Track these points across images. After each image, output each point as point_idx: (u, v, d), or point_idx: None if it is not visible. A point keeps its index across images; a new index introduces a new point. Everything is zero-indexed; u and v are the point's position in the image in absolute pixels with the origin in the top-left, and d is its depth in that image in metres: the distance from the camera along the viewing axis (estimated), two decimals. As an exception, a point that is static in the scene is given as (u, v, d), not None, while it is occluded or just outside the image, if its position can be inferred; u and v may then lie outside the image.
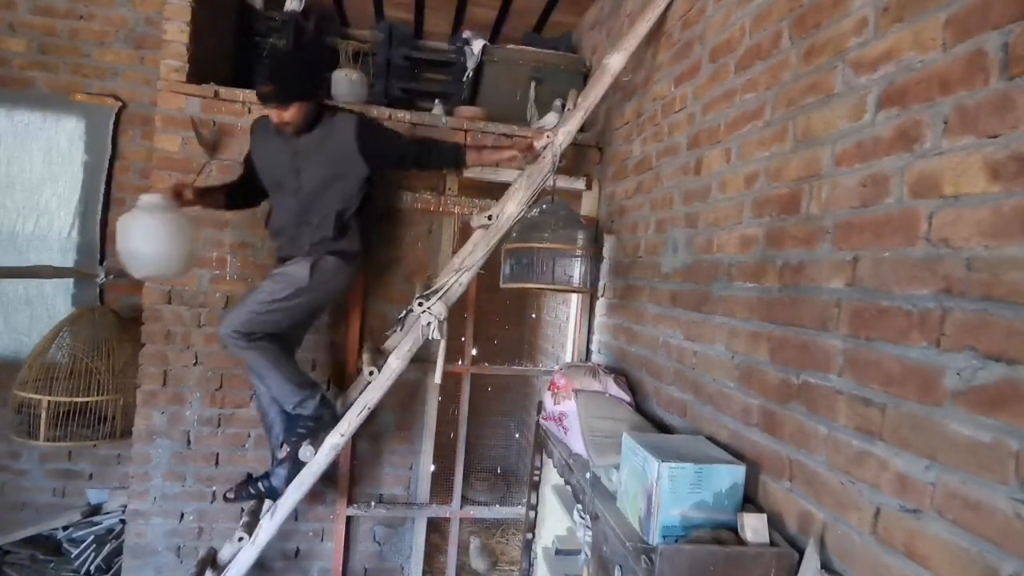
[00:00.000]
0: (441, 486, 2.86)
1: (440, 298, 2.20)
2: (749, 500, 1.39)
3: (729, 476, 1.32)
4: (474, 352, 2.78)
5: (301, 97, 2.03)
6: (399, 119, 2.64)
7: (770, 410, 1.38)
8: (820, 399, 1.22)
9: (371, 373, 2.21)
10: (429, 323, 2.20)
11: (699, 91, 1.89)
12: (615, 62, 2.18)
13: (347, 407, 2.24)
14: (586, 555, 1.65)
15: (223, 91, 2.49)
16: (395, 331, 2.36)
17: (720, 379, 1.61)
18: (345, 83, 2.78)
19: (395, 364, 2.22)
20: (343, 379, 2.59)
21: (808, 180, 1.33)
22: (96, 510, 3.02)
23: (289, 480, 2.15)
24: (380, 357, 2.29)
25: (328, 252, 2.18)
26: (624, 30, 2.40)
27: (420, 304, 2.20)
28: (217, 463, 2.56)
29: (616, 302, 2.48)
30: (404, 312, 2.32)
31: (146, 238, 1.91)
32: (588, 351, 2.77)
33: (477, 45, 3.14)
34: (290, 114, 2.04)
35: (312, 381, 2.21)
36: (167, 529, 2.54)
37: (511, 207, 2.21)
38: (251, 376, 2.24)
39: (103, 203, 3.02)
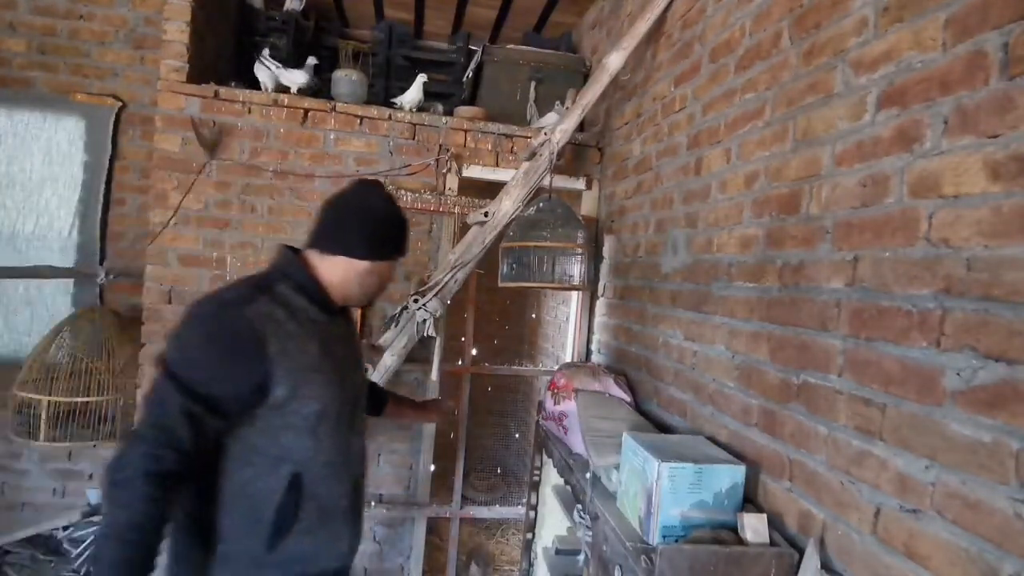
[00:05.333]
0: (441, 486, 2.86)
1: (435, 295, 2.20)
2: (749, 500, 1.39)
3: (729, 476, 1.32)
4: (474, 352, 2.78)
5: None
6: (399, 119, 2.64)
7: (770, 410, 1.38)
8: (820, 399, 1.22)
9: (365, 370, 2.21)
10: (424, 320, 2.20)
11: (699, 91, 1.89)
12: (614, 61, 2.18)
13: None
14: (586, 555, 1.65)
15: (223, 91, 2.49)
16: (389, 328, 2.35)
17: (720, 379, 1.61)
18: (345, 83, 2.78)
19: (389, 361, 2.22)
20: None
21: (808, 180, 1.33)
22: (96, 510, 3.02)
23: None
24: (376, 354, 2.29)
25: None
26: (624, 30, 2.40)
27: (415, 301, 2.20)
28: (217, 463, 2.56)
29: (616, 302, 2.48)
30: (399, 309, 2.32)
31: None
32: (588, 351, 2.77)
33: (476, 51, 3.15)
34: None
35: None
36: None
37: (507, 204, 2.21)
38: None
39: (103, 203, 3.02)
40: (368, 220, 1.28)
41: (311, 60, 2.77)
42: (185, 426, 1.07)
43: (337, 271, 1.28)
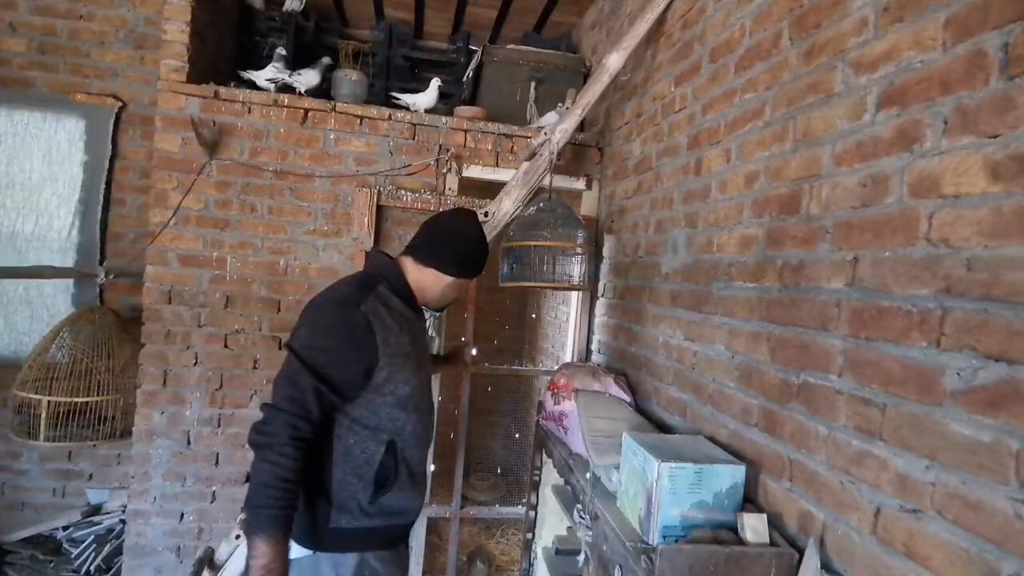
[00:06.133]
0: (441, 486, 2.86)
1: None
2: (749, 500, 1.39)
3: (729, 476, 1.32)
4: (474, 352, 2.78)
5: None
6: (399, 119, 2.64)
7: (770, 410, 1.38)
8: (820, 399, 1.22)
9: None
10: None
11: (699, 91, 1.89)
12: (614, 61, 2.18)
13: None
14: (586, 555, 1.65)
15: (223, 91, 2.49)
16: None
17: (720, 379, 1.61)
18: (345, 83, 2.78)
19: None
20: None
21: (808, 180, 1.33)
22: (96, 510, 3.02)
23: None
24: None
25: None
26: (624, 30, 2.40)
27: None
28: (217, 463, 2.56)
29: (616, 302, 2.48)
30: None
31: None
32: (588, 351, 2.77)
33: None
34: None
35: None
36: (167, 529, 2.54)
37: (507, 204, 2.21)
38: None
39: (103, 203, 3.02)
40: (463, 244, 1.55)
41: (325, 59, 2.77)
42: (314, 401, 1.32)
43: (427, 280, 1.55)
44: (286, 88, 2.64)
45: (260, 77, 2.59)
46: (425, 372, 1.58)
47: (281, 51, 2.68)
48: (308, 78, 2.65)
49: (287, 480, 1.28)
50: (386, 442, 1.45)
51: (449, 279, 1.55)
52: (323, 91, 2.76)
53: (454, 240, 1.56)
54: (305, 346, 1.36)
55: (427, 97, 2.73)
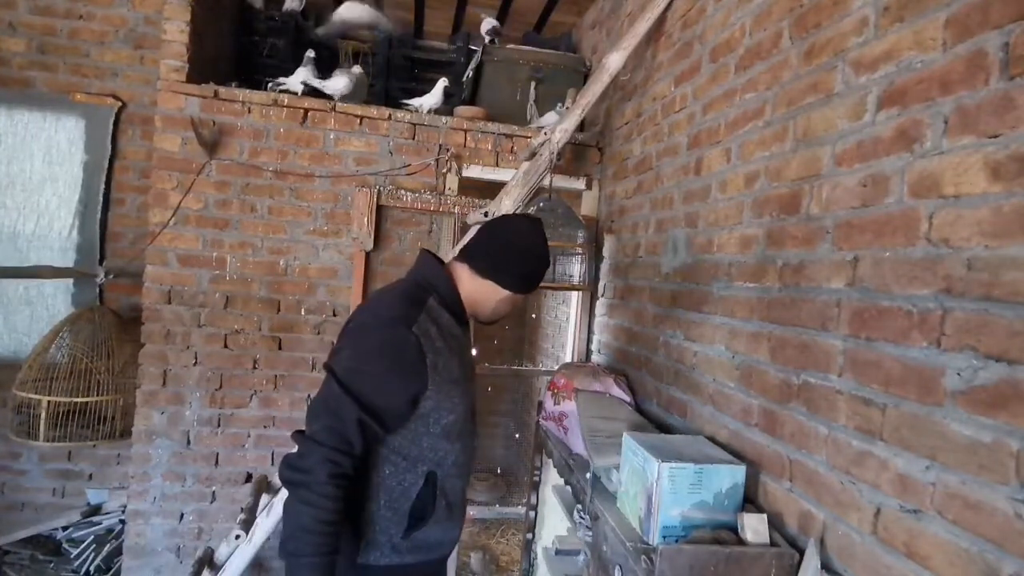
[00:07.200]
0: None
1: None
2: (749, 500, 1.38)
3: (729, 476, 1.32)
4: (474, 352, 2.77)
5: None
6: (399, 119, 2.64)
7: (770, 410, 1.38)
8: (820, 399, 1.22)
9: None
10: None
11: (699, 91, 1.88)
12: (614, 61, 2.18)
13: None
14: (586, 555, 1.65)
15: (223, 91, 2.49)
16: None
17: (720, 379, 1.61)
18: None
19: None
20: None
21: (808, 180, 1.33)
22: (96, 510, 3.02)
23: None
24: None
25: None
26: (624, 29, 2.40)
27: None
28: (217, 463, 2.56)
29: (616, 302, 2.48)
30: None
31: None
32: (588, 351, 2.77)
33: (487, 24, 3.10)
34: None
35: None
36: (167, 529, 2.54)
37: (507, 203, 2.21)
38: None
39: (103, 203, 3.02)
40: (526, 259, 1.40)
41: (356, 68, 2.75)
42: (358, 433, 1.19)
43: (481, 291, 1.40)
44: (315, 93, 2.61)
45: (293, 81, 2.58)
46: (471, 395, 1.44)
47: (311, 54, 2.67)
48: (339, 84, 2.63)
49: (328, 523, 1.15)
50: (425, 474, 1.32)
51: (506, 294, 1.40)
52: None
53: (520, 253, 1.39)
54: (348, 370, 1.22)
55: (433, 98, 2.73)
